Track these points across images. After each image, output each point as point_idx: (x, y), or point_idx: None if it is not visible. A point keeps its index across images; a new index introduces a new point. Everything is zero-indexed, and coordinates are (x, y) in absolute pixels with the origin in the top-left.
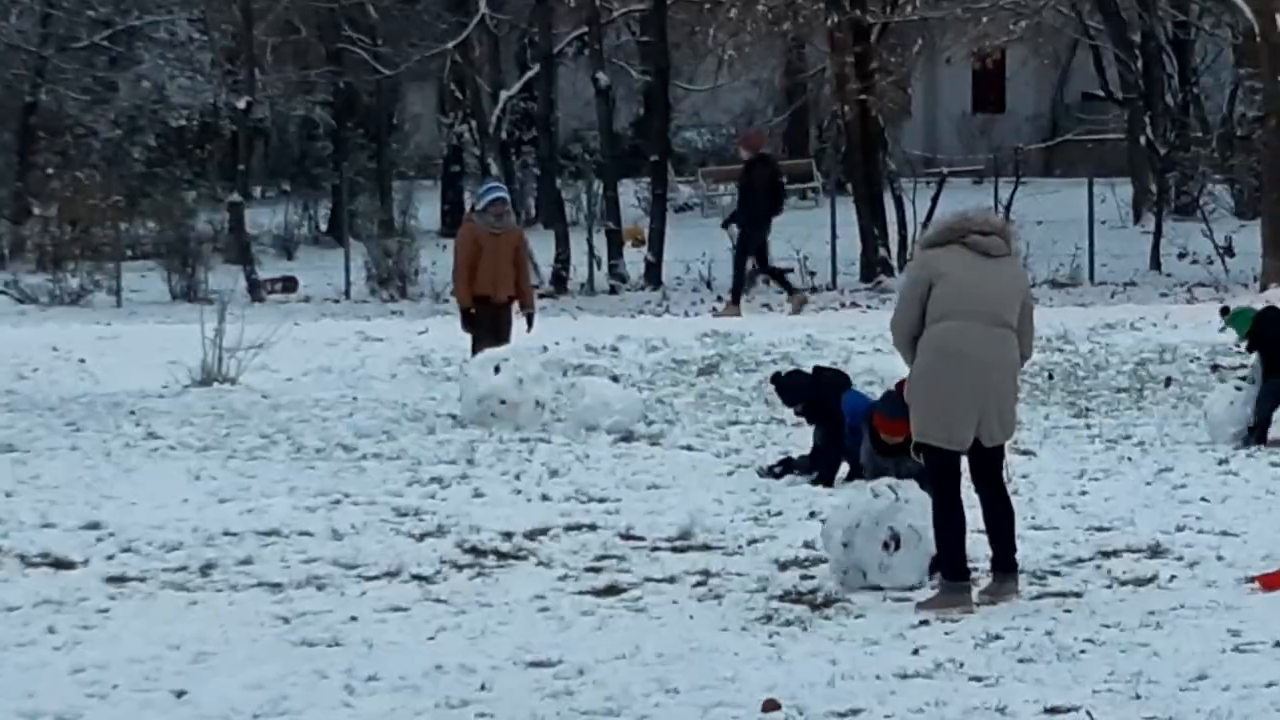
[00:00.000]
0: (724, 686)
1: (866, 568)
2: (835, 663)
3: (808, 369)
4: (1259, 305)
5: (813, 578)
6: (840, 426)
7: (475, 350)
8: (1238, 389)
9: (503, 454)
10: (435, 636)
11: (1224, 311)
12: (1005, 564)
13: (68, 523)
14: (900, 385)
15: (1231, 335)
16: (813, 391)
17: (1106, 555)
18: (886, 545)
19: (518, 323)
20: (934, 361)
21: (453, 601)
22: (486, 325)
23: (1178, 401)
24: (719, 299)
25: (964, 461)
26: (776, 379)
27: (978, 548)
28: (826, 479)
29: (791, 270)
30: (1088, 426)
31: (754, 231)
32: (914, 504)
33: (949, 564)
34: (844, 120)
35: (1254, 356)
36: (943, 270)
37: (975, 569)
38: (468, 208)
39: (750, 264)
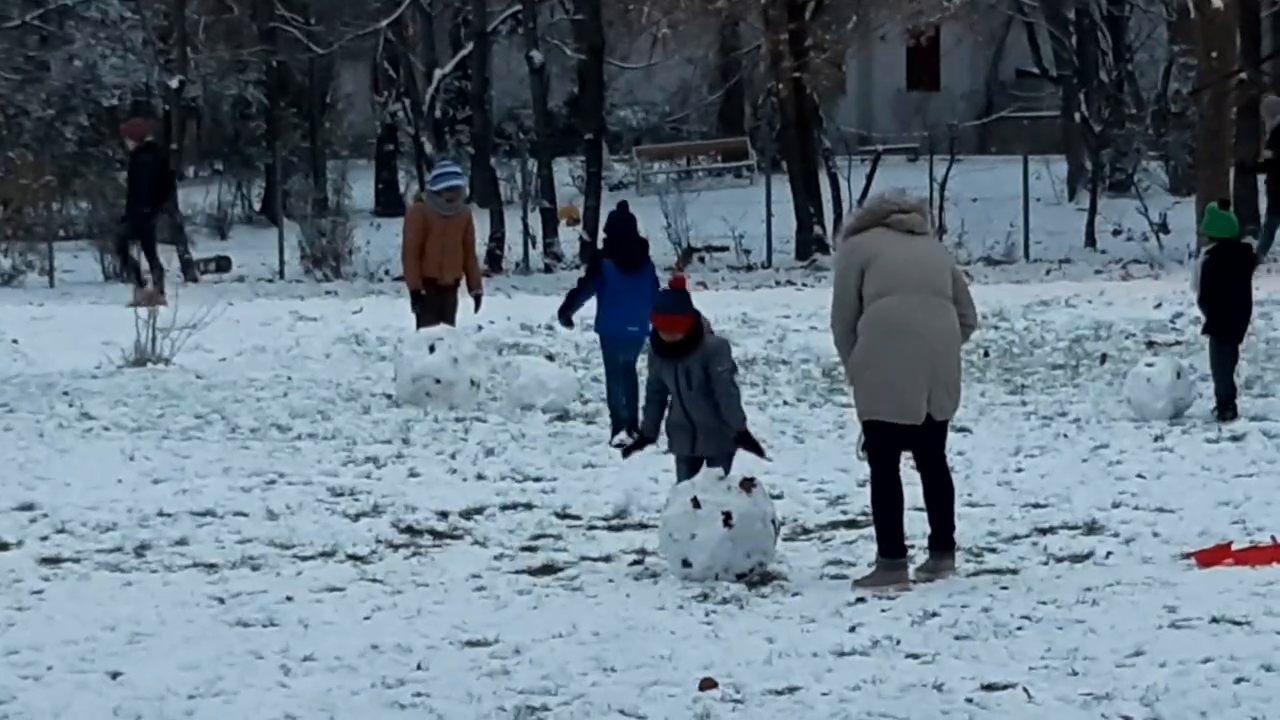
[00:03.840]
0: (661, 665)
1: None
2: (772, 640)
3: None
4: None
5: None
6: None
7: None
8: (1150, 365)
9: (438, 433)
10: (371, 616)
11: (1223, 204)
12: (943, 541)
13: (1, 504)
14: (676, 282)
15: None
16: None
17: (1043, 532)
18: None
19: (464, 303)
20: (879, 336)
21: (389, 581)
22: (431, 307)
23: (1113, 378)
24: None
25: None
26: None
27: (914, 525)
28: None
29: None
30: (1023, 404)
31: (141, 220)
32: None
33: (886, 541)
34: (779, 98)
35: (1199, 259)
36: (873, 251)
37: (912, 546)
38: (402, 187)
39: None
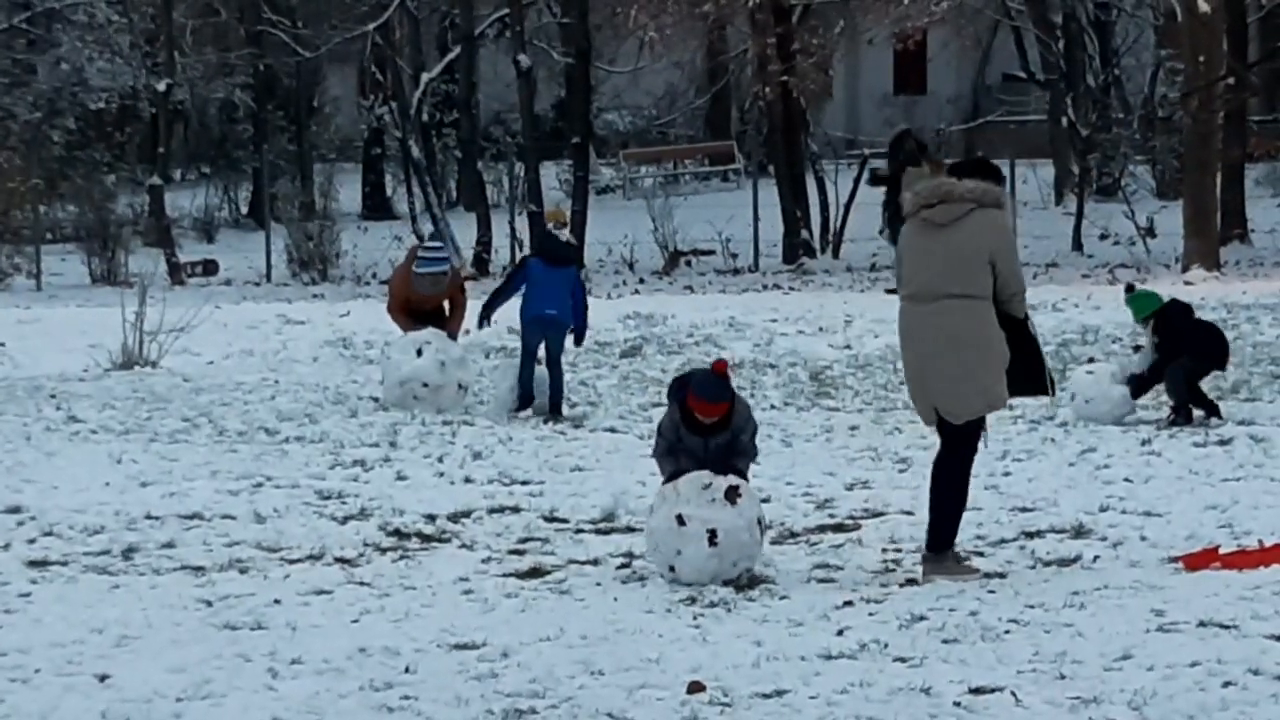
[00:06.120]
0: (649, 668)
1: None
2: (760, 644)
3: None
4: (1167, 294)
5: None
6: None
7: None
8: (1089, 373)
9: (425, 436)
10: (359, 619)
11: (1129, 289)
12: (931, 542)
13: None
14: (718, 364)
15: (1128, 314)
16: None
17: (1030, 536)
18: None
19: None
20: (899, 341)
21: (376, 584)
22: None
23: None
24: (641, 280)
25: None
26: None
27: (901, 529)
28: None
29: None
30: (1010, 407)
31: None
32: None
33: (939, 532)
34: (766, 102)
35: (1147, 338)
36: (903, 248)
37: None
38: (389, 191)
39: None
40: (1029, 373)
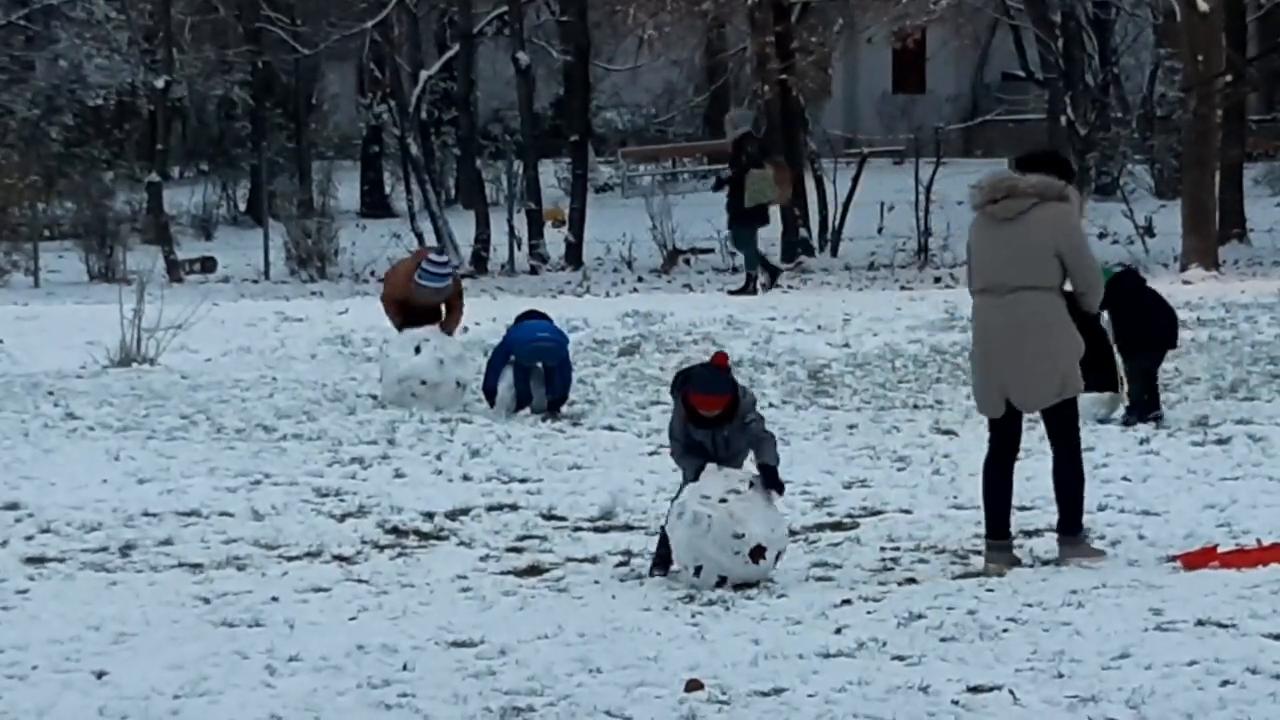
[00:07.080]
0: (647, 666)
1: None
2: (758, 642)
3: None
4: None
5: None
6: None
7: None
8: None
9: (424, 434)
10: (357, 617)
11: None
12: (1060, 526)
13: None
14: (718, 357)
15: None
16: None
17: (1029, 534)
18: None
19: None
20: (972, 334)
21: (374, 582)
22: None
23: None
24: (639, 279)
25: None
26: None
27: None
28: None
29: None
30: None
31: None
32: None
33: (986, 523)
34: (764, 100)
35: (1104, 315)
36: (971, 242)
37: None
38: (387, 188)
39: None
40: (1098, 368)
